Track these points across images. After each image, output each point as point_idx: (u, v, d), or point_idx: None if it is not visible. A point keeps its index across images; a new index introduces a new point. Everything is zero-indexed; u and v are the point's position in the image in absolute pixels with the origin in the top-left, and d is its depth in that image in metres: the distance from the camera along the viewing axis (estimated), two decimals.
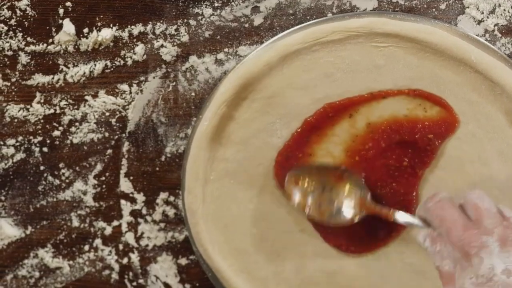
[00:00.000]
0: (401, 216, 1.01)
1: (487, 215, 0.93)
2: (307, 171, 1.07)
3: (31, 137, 1.14)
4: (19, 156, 1.14)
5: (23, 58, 1.13)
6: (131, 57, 1.13)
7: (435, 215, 0.95)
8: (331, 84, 1.08)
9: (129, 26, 1.12)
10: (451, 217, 0.94)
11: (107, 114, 1.13)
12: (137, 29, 1.12)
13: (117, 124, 1.14)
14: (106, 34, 1.12)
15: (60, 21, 1.12)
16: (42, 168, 1.14)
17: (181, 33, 1.12)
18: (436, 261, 0.93)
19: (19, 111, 1.14)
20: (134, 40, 1.12)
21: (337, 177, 1.06)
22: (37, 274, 1.16)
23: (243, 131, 1.09)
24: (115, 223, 1.15)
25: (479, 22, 1.10)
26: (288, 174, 1.07)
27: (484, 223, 0.92)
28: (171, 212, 1.14)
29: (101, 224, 1.15)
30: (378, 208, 1.05)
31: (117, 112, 1.13)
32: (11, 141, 1.14)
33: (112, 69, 1.13)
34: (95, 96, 1.13)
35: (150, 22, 1.12)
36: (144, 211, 1.14)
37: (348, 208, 1.05)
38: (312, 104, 1.08)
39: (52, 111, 1.14)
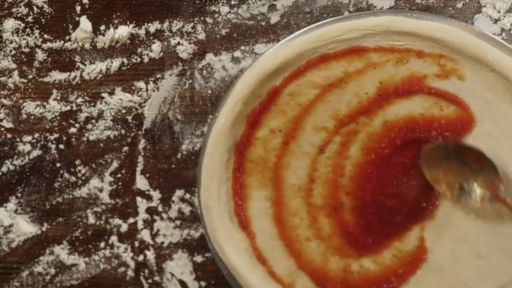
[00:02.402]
0: None
1: None
2: (445, 148, 1.06)
3: (47, 134, 1.14)
4: (36, 153, 1.14)
5: (40, 55, 1.13)
6: (147, 55, 1.13)
7: None
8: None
9: (145, 24, 1.12)
10: None
11: (124, 111, 1.14)
12: (153, 26, 1.12)
13: (134, 122, 1.14)
14: (123, 31, 1.12)
15: (77, 18, 1.12)
16: (58, 165, 1.15)
17: (198, 30, 1.12)
18: None
19: (35, 108, 1.14)
20: (151, 37, 1.13)
21: (474, 158, 1.06)
22: (52, 270, 1.16)
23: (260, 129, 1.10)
24: (131, 220, 1.15)
25: (496, 21, 1.10)
26: (423, 149, 1.07)
27: None
28: (187, 209, 1.14)
29: (117, 221, 1.15)
30: (508, 199, 1.04)
31: (134, 110, 1.14)
32: (27, 138, 1.14)
33: (128, 66, 1.13)
34: (111, 93, 1.13)
35: (167, 20, 1.12)
36: (160, 209, 1.15)
37: (481, 191, 1.06)
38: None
39: (68, 108, 1.14)
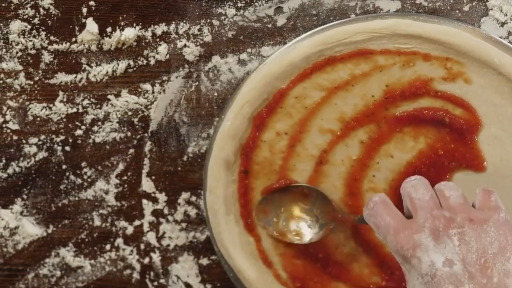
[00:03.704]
0: (361, 220, 1.01)
1: (419, 206, 0.91)
2: (271, 199, 1.09)
3: (53, 136, 1.14)
4: (42, 155, 1.14)
5: (46, 57, 1.13)
6: (154, 57, 1.13)
7: (372, 223, 0.94)
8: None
9: (152, 26, 1.12)
10: (383, 222, 0.92)
11: (130, 113, 1.14)
12: (160, 28, 1.12)
13: (140, 124, 1.14)
14: (129, 33, 1.12)
15: (84, 20, 1.12)
16: (64, 167, 1.14)
17: (204, 33, 1.12)
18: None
19: (41, 110, 1.14)
20: (157, 39, 1.12)
21: (301, 195, 1.09)
22: (58, 273, 1.16)
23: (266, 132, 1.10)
24: (137, 222, 1.15)
25: (503, 24, 1.10)
26: (254, 209, 1.10)
27: (418, 217, 0.90)
28: (192, 212, 1.14)
29: (122, 223, 1.15)
30: (342, 215, 1.07)
31: (140, 112, 1.13)
32: (33, 140, 1.14)
33: (135, 68, 1.13)
34: (117, 95, 1.13)
35: (173, 22, 1.12)
36: (165, 211, 1.14)
37: (320, 221, 1.08)
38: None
39: (74, 110, 1.14)
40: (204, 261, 1.15)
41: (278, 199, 1.09)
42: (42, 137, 1.14)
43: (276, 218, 1.09)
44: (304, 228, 1.09)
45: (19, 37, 1.13)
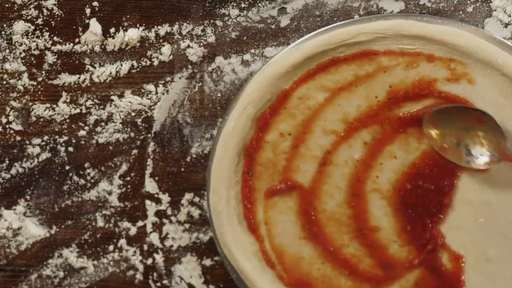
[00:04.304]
0: None
1: None
2: (447, 111, 1.06)
3: (56, 137, 1.14)
4: (45, 155, 1.14)
5: (50, 58, 1.13)
6: (157, 58, 1.13)
7: None
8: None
9: (155, 26, 1.12)
10: None
11: (133, 114, 1.14)
12: (163, 29, 1.12)
13: (143, 124, 1.14)
14: (133, 34, 1.12)
15: (87, 21, 1.12)
16: (67, 167, 1.14)
17: (208, 33, 1.12)
18: None
19: (45, 110, 1.14)
20: (161, 40, 1.12)
21: (477, 119, 1.06)
22: (61, 273, 1.16)
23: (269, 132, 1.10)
24: (140, 223, 1.15)
25: (506, 25, 1.10)
26: (426, 114, 1.06)
27: None
28: (196, 213, 1.14)
29: (126, 224, 1.15)
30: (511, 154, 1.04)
31: (143, 112, 1.13)
32: (36, 141, 1.14)
33: (138, 69, 1.13)
34: (121, 96, 1.13)
35: (177, 23, 1.12)
36: (169, 212, 1.14)
37: (488, 152, 1.06)
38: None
39: (78, 110, 1.14)
40: (207, 262, 1.15)
41: (455, 115, 1.06)
42: (45, 137, 1.14)
43: (445, 133, 1.07)
44: (470, 152, 1.06)
45: (22, 38, 1.13)
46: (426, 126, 1.06)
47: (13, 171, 1.15)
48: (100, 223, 1.15)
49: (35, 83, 1.13)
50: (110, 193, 1.15)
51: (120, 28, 1.12)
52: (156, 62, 1.13)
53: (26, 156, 1.14)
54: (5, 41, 1.13)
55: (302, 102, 1.09)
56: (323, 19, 1.11)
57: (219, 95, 1.13)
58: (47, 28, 1.13)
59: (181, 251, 1.15)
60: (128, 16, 1.12)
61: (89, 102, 1.14)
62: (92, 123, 1.14)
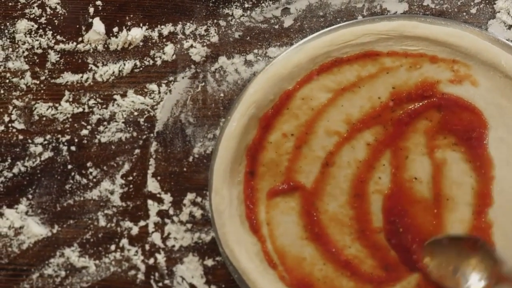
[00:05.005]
0: None
1: None
2: (441, 242, 1.07)
3: (59, 136, 1.14)
4: (47, 154, 1.14)
5: (53, 57, 1.13)
6: (160, 57, 1.13)
7: None
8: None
9: (159, 26, 1.12)
10: None
11: (136, 113, 1.13)
12: (167, 29, 1.12)
13: (145, 124, 1.14)
14: (136, 33, 1.12)
15: (90, 20, 1.12)
16: (69, 167, 1.14)
17: (211, 33, 1.12)
18: None
19: (47, 109, 1.14)
20: (164, 40, 1.12)
21: (470, 247, 1.07)
22: (63, 273, 1.16)
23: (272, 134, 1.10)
24: (142, 223, 1.15)
25: (510, 26, 1.10)
26: (424, 247, 1.07)
27: None
28: (198, 213, 1.14)
29: (127, 224, 1.15)
30: (508, 276, 1.06)
31: (146, 112, 1.13)
32: (39, 140, 1.14)
33: (141, 68, 1.13)
34: (123, 95, 1.13)
35: (180, 22, 1.12)
36: (171, 212, 1.14)
37: (481, 279, 1.06)
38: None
39: (80, 110, 1.14)
40: (209, 262, 1.15)
41: (449, 244, 1.08)
42: (48, 136, 1.14)
43: (441, 262, 1.08)
44: (468, 279, 1.08)
45: (25, 37, 1.13)
46: (425, 259, 1.08)
47: (15, 170, 1.15)
48: (102, 222, 1.15)
49: (38, 82, 1.13)
50: (112, 192, 1.15)
51: (123, 27, 1.12)
52: (159, 62, 1.13)
53: (29, 155, 1.14)
54: (8, 40, 1.13)
55: (305, 103, 1.09)
56: (327, 19, 1.11)
57: (222, 95, 1.13)
58: (50, 27, 1.12)
59: (183, 251, 1.15)
60: (131, 16, 1.12)
61: (91, 101, 1.13)
62: (94, 123, 1.14)
